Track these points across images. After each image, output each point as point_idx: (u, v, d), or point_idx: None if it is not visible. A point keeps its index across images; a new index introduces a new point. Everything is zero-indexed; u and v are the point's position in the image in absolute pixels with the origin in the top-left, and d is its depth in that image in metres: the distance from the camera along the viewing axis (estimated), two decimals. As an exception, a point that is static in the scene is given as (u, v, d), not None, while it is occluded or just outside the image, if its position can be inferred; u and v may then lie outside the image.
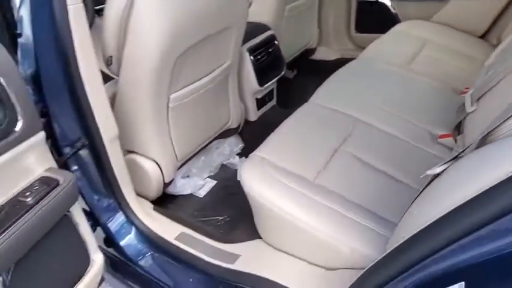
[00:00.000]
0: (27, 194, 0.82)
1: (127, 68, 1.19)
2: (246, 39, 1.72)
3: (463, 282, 0.55)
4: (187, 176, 1.59)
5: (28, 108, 0.82)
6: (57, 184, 0.86)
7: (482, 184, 0.56)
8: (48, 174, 0.88)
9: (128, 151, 1.35)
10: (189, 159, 1.55)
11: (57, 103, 1.04)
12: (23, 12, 0.97)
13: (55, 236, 0.90)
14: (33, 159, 0.86)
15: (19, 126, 0.81)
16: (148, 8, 1.10)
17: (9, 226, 0.76)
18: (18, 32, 1.00)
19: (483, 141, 0.73)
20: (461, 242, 0.56)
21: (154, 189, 1.37)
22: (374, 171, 1.16)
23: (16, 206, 0.80)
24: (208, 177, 1.62)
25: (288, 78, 2.36)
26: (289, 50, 2.14)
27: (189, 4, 1.19)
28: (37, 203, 0.81)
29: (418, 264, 0.61)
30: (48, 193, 0.84)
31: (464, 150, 0.74)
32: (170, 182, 1.45)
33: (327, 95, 1.50)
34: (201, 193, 1.54)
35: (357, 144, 1.25)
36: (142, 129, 1.29)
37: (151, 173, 1.33)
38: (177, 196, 1.51)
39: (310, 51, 2.47)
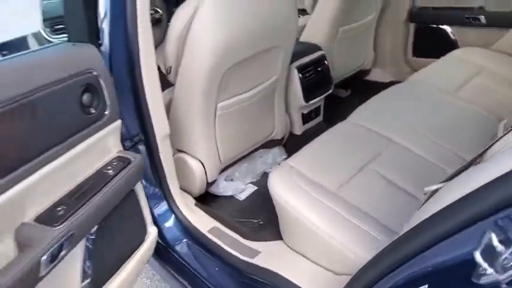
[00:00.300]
0: (109, 167, 1.00)
1: (182, 77, 1.37)
2: (296, 58, 1.82)
3: (426, 285, 0.60)
4: (231, 180, 1.70)
5: (113, 98, 1.00)
6: (129, 162, 1.03)
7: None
8: (121, 154, 1.06)
9: (178, 150, 1.52)
10: (233, 164, 1.67)
11: (123, 104, 1.19)
12: (105, 25, 1.12)
13: (125, 205, 1.07)
14: (112, 141, 1.04)
15: (107, 111, 0.99)
16: (204, 29, 1.26)
17: (99, 191, 0.93)
18: (100, 41, 1.16)
19: (481, 159, 0.77)
20: (433, 248, 0.62)
21: (197, 186, 1.51)
22: (395, 189, 1.20)
23: (101, 176, 0.98)
24: (250, 182, 1.71)
25: (340, 97, 2.40)
26: (341, 70, 2.19)
27: (242, 24, 1.32)
28: (116, 175, 0.98)
29: (398, 268, 0.67)
30: (123, 168, 1.01)
31: (465, 167, 0.78)
32: (213, 182, 1.59)
33: (365, 115, 1.55)
34: (242, 196, 1.65)
35: (385, 163, 1.29)
36: (192, 131, 1.44)
37: (196, 171, 1.48)
38: (219, 196, 1.64)
39: (364, 72, 2.48)
